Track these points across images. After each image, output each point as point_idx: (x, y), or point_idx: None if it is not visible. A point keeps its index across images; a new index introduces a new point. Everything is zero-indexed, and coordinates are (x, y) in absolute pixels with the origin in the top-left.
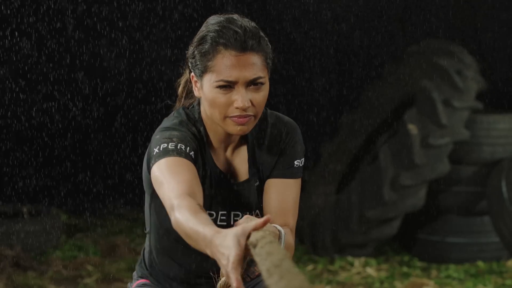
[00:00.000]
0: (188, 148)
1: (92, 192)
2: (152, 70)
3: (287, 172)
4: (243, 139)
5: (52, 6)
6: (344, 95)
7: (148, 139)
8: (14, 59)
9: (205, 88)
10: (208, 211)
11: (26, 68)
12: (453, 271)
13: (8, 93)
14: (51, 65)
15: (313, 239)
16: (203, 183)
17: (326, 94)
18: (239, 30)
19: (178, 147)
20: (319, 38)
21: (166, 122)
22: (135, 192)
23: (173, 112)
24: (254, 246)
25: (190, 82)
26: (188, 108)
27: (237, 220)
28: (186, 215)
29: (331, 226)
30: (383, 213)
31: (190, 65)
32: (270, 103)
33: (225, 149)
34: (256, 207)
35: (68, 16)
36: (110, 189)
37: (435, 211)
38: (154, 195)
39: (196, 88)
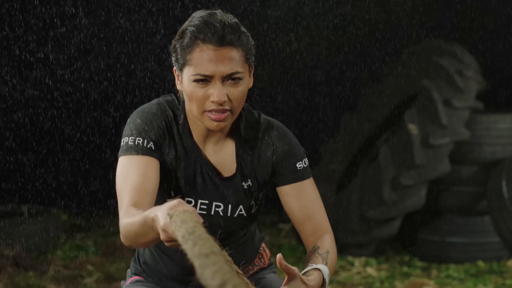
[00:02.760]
0: (145, 140)
1: (92, 192)
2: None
3: (292, 177)
4: (231, 136)
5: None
6: (345, 95)
7: None
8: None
9: (184, 82)
10: (186, 198)
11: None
12: (453, 271)
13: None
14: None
15: None
16: (185, 170)
17: (326, 94)
18: (218, 25)
19: (136, 143)
20: (320, 37)
21: (148, 103)
22: None
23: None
24: (171, 216)
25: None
26: (177, 95)
27: (218, 211)
28: (130, 218)
29: (331, 225)
30: (383, 213)
31: (173, 58)
32: (272, 101)
33: (212, 143)
34: (239, 203)
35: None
36: (110, 189)
37: (435, 211)
38: None
39: (178, 82)
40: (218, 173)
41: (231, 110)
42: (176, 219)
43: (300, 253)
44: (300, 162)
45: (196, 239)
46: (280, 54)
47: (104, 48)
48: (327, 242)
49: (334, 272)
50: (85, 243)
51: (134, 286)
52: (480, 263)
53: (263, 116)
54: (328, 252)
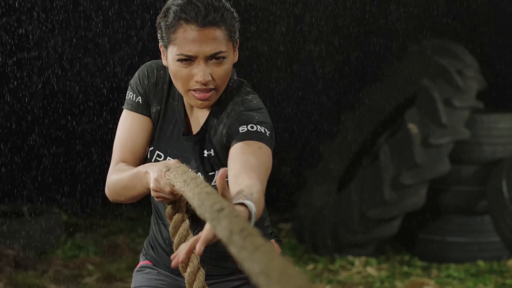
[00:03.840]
0: (135, 95)
1: (92, 191)
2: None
3: (234, 141)
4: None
5: None
6: (345, 94)
7: None
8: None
9: (169, 60)
10: (157, 151)
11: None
12: (453, 271)
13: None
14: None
15: (314, 239)
16: (163, 126)
17: (327, 93)
18: (201, 5)
19: (129, 97)
20: (321, 37)
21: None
22: None
23: None
24: (168, 168)
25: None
26: None
27: None
28: (119, 173)
29: (332, 225)
30: (384, 213)
31: (158, 35)
32: (271, 100)
33: (200, 109)
34: (198, 170)
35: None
36: None
37: (435, 211)
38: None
39: (164, 57)
40: (188, 133)
41: (215, 89)
42: (177, 170)
43: (300, 253)
44: (244, 126)
45: (199, 182)
46: (280, 53)
47: (108, 49)
48: (254, 189)
49: (334, 272)
50: (86, 242)
51: (139, 274)
52: (480, 263)
53: (245, 95)
54: (252, 194)
